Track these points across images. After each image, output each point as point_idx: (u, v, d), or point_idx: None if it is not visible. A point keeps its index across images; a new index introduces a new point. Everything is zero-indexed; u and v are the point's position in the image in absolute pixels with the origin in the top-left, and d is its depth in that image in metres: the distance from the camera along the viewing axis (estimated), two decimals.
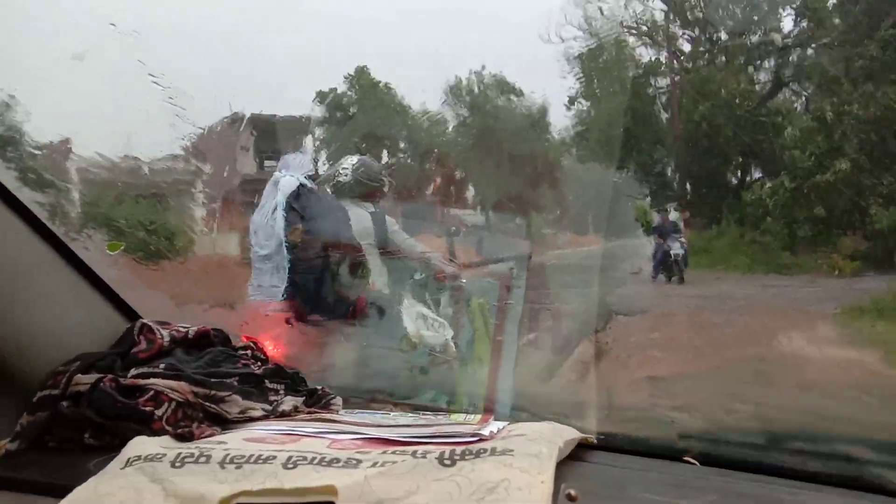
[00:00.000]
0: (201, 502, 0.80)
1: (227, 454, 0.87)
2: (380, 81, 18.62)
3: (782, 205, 12.05)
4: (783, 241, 12.19)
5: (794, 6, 14.86)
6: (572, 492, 0.81)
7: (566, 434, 0.96)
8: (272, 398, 1.17)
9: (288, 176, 2.75)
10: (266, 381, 1.20)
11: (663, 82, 16.53)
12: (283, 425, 1.05)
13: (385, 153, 18.11)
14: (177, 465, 0.87)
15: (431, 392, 1.46)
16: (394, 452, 0.87)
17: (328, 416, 1.14)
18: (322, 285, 2.63)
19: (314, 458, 0.85)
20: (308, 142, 17.45)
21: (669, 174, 16.18)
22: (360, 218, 2.98)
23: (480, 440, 0.91)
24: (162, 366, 1.12)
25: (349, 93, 18.93)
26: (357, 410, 1.20)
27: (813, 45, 14.09)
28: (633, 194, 15.44)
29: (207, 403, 1.07)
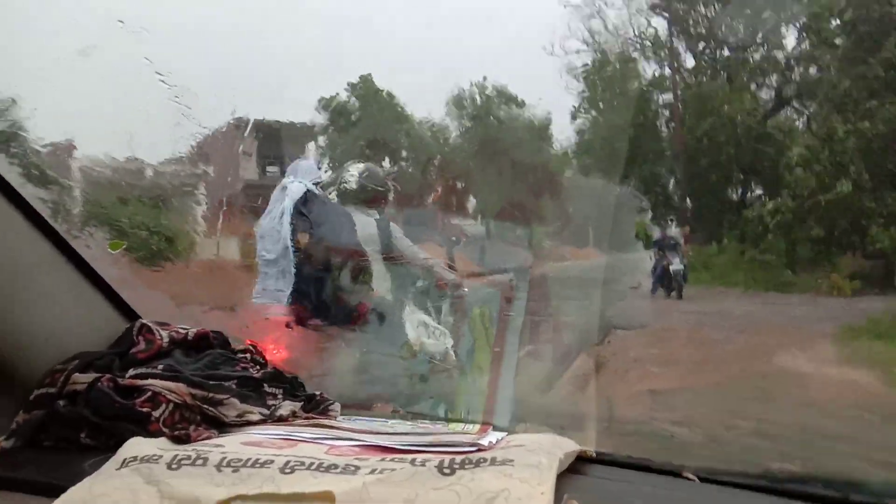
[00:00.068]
0: None
1: (224, 457, 0.87)
2: (382, 90, 18.69)
3: (783, 224, 12.07)
4: (783, 259, 12.20)
5: (797, 25, 14.96)
6: (575, 502, 0.80)
7: (566, 446, 0.95)
8: (270, 402, 1.16)
9: (296, 182, 2.78)
10: (264, 385, 1.19)
11: (666, 97, 16.60)
12: (280, 430, 1.05)
13: (387, 161, 18.15)
14: (173, 466, 0.86)
15: (430, 400, 1.45)
16: (392, 460, 0.87)
17: (326, 422, 1.13)
18: (327, 291, 2.65)
19: (312, 464, 0.85)
20: (311, 148, 17.49)
21: (670, 189, 16.21)
22: (365, 224, 3.00)
23: (479, 450, 0.91)
24: (160, 367, 1.11)
25: (353, 99, 18.99)
26: (355, 417, 1.19)
27: (817, 64, 14.16)
28: (635, 208, 15.46)
29: (205, 406, 1.07)
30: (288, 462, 0.85)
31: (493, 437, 0.98)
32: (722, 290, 11.99)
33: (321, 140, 18.70)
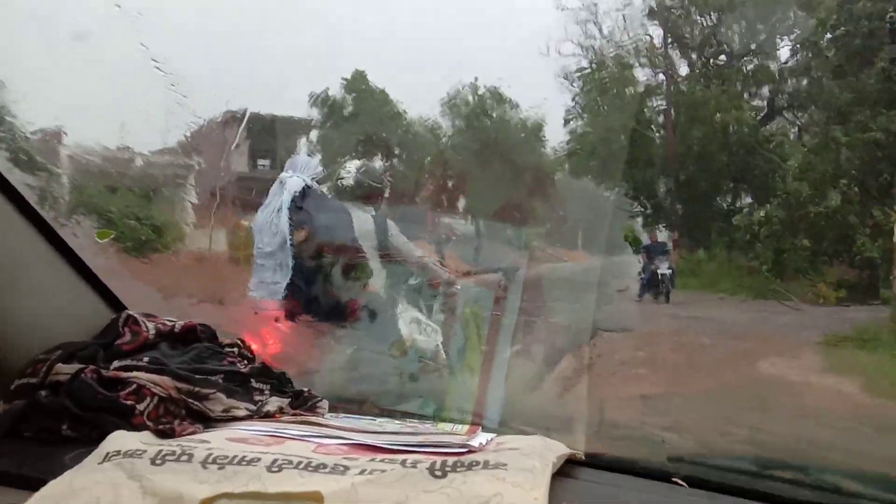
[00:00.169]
0: (180, 502, 0.77)
1: (210, 454, 0.85)
2: (376, 87, 18.64)
3: (772, 233, 12.17)
4: (770, 267, 12.29)
5: (791, 37, 15.08)
6: None
7: (557, 449, 0.94)
8: (257, 398, 1.14)
9: (295, 176, 2.79)
10: (252, 380, 1.17)
11: (659, 103, 16.68)
12: (267, 426, 1.03)
13: (379, 158, 18.11)
14: (157, 462, 0.84)
15: (419, 399, 1.44)
16: (382, 461, 0.85)
17: (313, 419, 1.11)
18: (324, 286, 2.65)
19: (300, 463, 0.83)
20: (302, 144, 17.44)
21: (661, 195, 16.29)
22: (362, 220, 3.01)
23: (470, 451, 0.90)
24: (146, 359, 1.10)
25: (347, 96, 18.94)
26: (343, 415, 1.18)
27: (810, 76, 14.28)
28: (625, 212, 15.56)
29: (191, 400, 1.05)
30: (275, 460, 0.83)
31: (482, 438, 0.98)
32: (709, 295, 12.07)
33: (313, 135, 18.64)
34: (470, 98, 18.74)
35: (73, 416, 1.00)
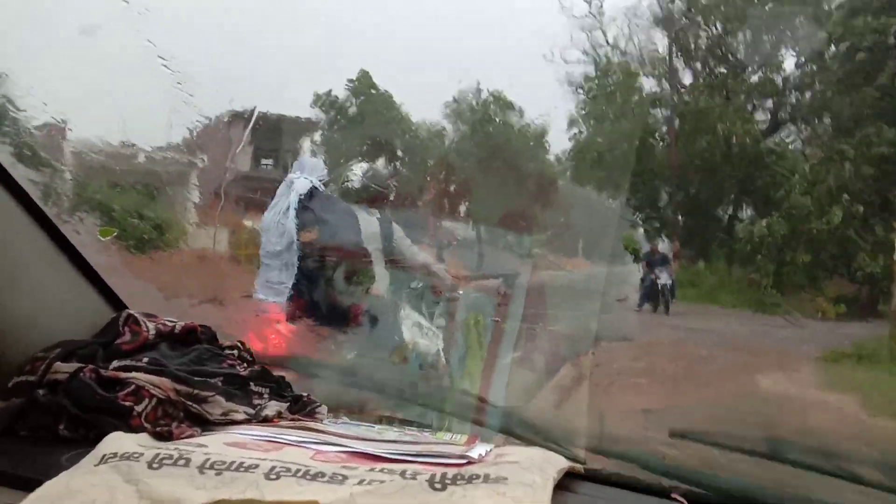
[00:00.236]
0: None
1: (208, 459, 0.84)
2: (379, 89, 18.64)
3: (773, 246, 12.17)
4: (770, 280, 12.29)
5: (795, 49, 15.10)
6: None
7: (557, 462, 0.93)
8: (256, 402, 1.14)
9: (302, 178, 2.81)
10: (251, 383, 1.16)
11: (663, 113, 16.69)
12: (265, 431, 1.02)
13: (383, 160, 18.10)
14: (154, 466, 0.83)
15: (419, 407, 1.43)
16: (381, 470, 0.84)
17: (312, 424, 1.10)
18: (322, 290, 2.65)
19: (298, 471, 0.82)
20: (306, 145, 17.45)
21: (663, 205, 16.29)
22: (368, 223, 3.02)
23: (469, 463, 0.89)
24: (145, 360, 1.09)
25: (351, 97, 18.94)
26: (341, 421, 1.17)
27: (814, 89, 14.30)
28: (627, 221, 15.55)
29: (189, 402, 1.04)
30: (273, 467, 0.82)
31: (481, 448, 0.96)
32: (708, 307, 12.07)
33: (317, 136, 18.63)
34: (474, 103, 18.75)
35: (71, 416, 0.99)
